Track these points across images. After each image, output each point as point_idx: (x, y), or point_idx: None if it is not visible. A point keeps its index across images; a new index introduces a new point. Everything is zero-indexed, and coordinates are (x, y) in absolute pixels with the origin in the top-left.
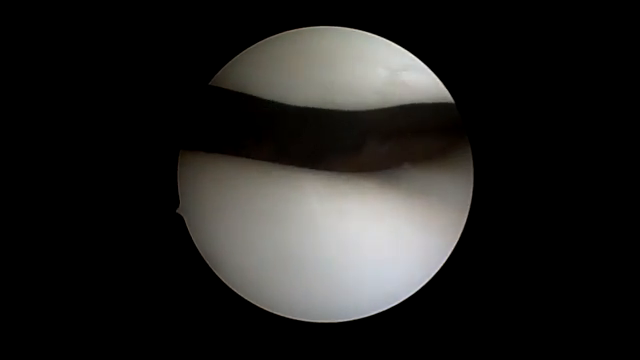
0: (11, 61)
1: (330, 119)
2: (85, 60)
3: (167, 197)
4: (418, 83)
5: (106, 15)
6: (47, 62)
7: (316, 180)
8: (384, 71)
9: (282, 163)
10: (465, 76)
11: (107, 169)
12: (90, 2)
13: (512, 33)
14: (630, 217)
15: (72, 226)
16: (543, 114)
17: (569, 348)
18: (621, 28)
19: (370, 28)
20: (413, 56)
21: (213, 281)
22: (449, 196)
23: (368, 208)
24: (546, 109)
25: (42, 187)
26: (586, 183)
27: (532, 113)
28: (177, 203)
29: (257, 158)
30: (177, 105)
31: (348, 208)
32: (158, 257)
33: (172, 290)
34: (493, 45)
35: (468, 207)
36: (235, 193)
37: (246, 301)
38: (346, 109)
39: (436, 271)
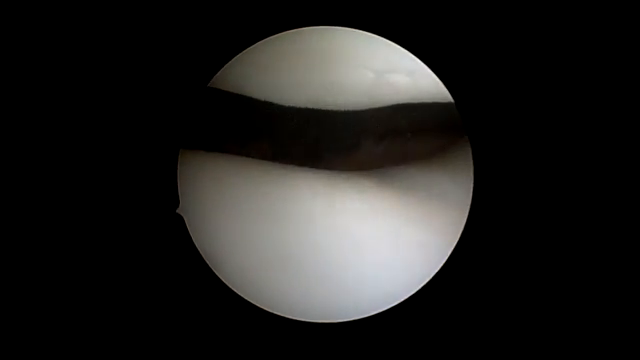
0: (11, 61)
1: (330, 119)
2: (84, 60)
3: (167, 197)
4: (413, 84)
5: (105, 15)
6: (47, 63)
7: (316, 180)
8: (370, 73)
9: (282, 163)
10: (465, 76)
11: (107, 170)
12: (90, 2)
13: (512, 33)
14: (630, 217)
15: (72, 226)
16: (544, 114)
17: (569, 348)
18: (621, 27)
19: (370, 28)
20: (413, 56)
21: (213, 281)
22: (449, 195)
23: (368, 207)
24: (547, 109)
25: (42, 187)
26: (586, 182)
27: (533, 113)
28: (177, 203)
29: (257, 158)
30: (177, 105)
31: (348, 207)
32: (158, 257)
33: (172, 290)
34: (494, 44)
35: (468, 207)
36: (235, 193)
37: (246, 301)
38: (346, 109)
39: (436, 271)
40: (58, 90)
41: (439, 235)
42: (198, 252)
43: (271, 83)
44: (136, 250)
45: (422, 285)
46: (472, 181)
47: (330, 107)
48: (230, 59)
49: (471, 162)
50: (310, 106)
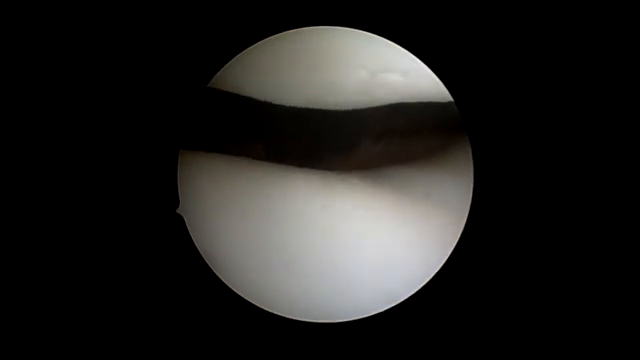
0: (11, 62)
1: (330, 119)
2: (84, 61)
3: (167, 197)
4: (412, 83)
5: (105, 16)
6: (47, 63)
7: (316, 180)
8: (369, 72)
9: (282, 163)
10: (465, 76)
11: (107, 170)
12: (89, 2)
13: (513, 32)
14: (631, 216)
15: (72, 226)
16: (544, 113)
17: (569, 348)
18: (621, 25)
19: (370, 28)
20: (413, 56)
21: (213, 281)
22: (449, 195)
23: (367, 207)
24: (547, 108)
25: (43, 188)
26: (587, 182)
27: (533, 112)
28: (177, 203)
29: (257, 158)
30: (177, 105)
31: (347, 207)
32: (158, 257)
33: (172, 290)
34: (494, 43)
35: (468, 206)
36: (235, 193)
37: (246, 301)
38: (346, 108)
39: (436, 271)
40: (58, 91)
41: (439, 235)
42: (198, 252)
43: (271, 83)
44: (136, 250)
45: (422, 285)
46: (472, 180)
47: (330, 107)
48: (229, 59)
49: (471, 162)
50: (310, 106)
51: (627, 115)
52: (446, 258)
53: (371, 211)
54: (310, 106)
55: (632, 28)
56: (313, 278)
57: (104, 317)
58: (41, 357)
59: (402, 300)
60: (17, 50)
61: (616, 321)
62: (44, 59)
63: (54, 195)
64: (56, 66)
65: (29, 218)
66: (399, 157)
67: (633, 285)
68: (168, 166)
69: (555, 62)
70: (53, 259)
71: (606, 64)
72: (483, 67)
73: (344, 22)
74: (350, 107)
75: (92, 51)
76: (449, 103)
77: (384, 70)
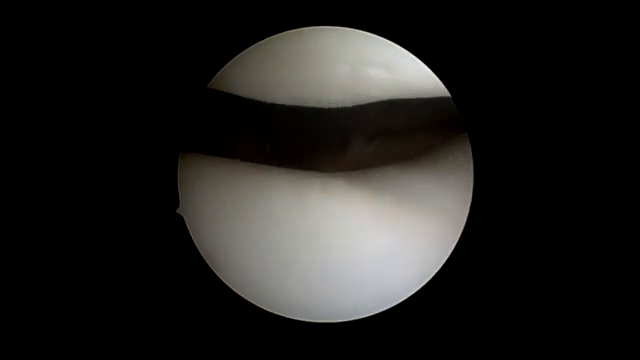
0: (10, 63)
1: (329, 118)
2: (83, 61)
3: (167, 197)
4: (409, 80)
5: (104, 17)
6: (46, 64)
7: (317, 181)
8: (344, 67)
9: (282, 164)
10: (467, 76)
11: (107, 171)
12: (89, 3)
13: (513, 32)
14: (631, 214)
15: (72, 226)
16: (544, 113)
17: (569, 348)
18: (621, 21)
19: (370, 28)
20: (413, 56)
21: (213, 281)
22: (449, 195)
23: (367, 208)
24: (548, 108)
25: (43, 189)
26: (588, 182)
27: (534, 109)
28: (177, 203)
29: (257, 159)
30: (176, 106)
31: (348, 208)
32: (158, 257)
33: (172, 290)
34: (495, 42)
35: (468, 206)
36: (235, 194)
37: (246, 301)
38: (347, 108)
39: (436, 271)
40: (58, 92)
41: (439, 235)
42: (198, 253)
43: (269, 84)
44: (137, 250)
45: (422, 285)
46: (472, 180)
47: (331, 106)
48: (229, 59)
49: (471, 160)
50: (311, 105)
51: (626, 109)
52: (446, 258)
53: (371, 211)
54: (311, 105)
55: (630, 22)
56: (313, 278)
57: (105, 317)
58: (41, 357)
59: (402, 300)
60: (17, 51)
61: (616, 321)
62: (44, 60)
63: (55, 196)
64: (56, 67)
65: (30, 219)
66: (398, 156)
67: (633, 285)
68: (168, 167)
69: (555, 58)
70: (54, 259)
71: (604, 60)
72: (482, 64)
73: (344, 22)
74: (351, 106)
75: (91, 52)
76: (447, 98)
77: (381, 68)
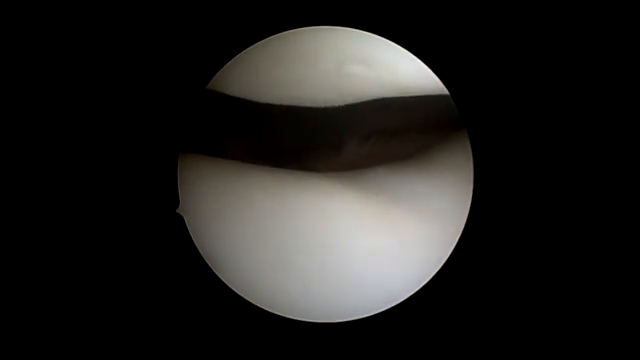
0: (10, 64)
1: (327, 119)
2: (83, 63)
3: (167, 197)
4: (407, 78)
5: (104, 17)
6: (46, 65)
7: (316, 181)
8: (342, 67)
9: (282, 164)
10: (467, 76)
11: (107, 171)
12: (88, 3)
13: (513, 31)
14: (631, 213)
15: (73, 227)
16: (544, 113)
17: (569, 348)
18: (615, 17)
19: (370, 28)
20: (413, 56)
21: (213, 281)
22: (449, 194)
23: (367, 208)
24: (549, 108)
25: (44, 189)
26: (588, 182)
27: (535, 112)
28: (177, 204)
29: (257, 159)
30: (176, 107)
31: (348, 208)
32: (158, 257)
33: (172, 290)
34: (495, 42)
35: (468, 206)
36: (235, 194)
37: (246, 301)
38: (344, 107)
39: (436, 271)
40: (58, 93)
41: (439, 235)
42: (198, 252)
43: (270, 84)
44: (137, 250)
45: (422, 285)
46: (472, 179)
47: (327, 104)
48: (229, 59)
49: (471, 159)
50: (310, 105)
51: (625, 107)
52: (446, 258)
53: (371, 212)
54: (307, 105)
55: (629, 21)
56: (313, 278)
57: (105, 317)
58: (41, 357)
59: (402, 300)
60: (17, 52)
61: (616, 321)
62: (44, 61)
63: (56, 197)
64: (55, 68)
65: (31, 219)
66: (396, 155)
67: (633, 284)
68: (168, 167)
69: (560, 61)
70: (55, 259)
71: (602, 58)
72: (482, 63)
73: (344, 22)
74: (351, 106)
75: (91, 53)
76: (446, 97)
77: (379, 67)
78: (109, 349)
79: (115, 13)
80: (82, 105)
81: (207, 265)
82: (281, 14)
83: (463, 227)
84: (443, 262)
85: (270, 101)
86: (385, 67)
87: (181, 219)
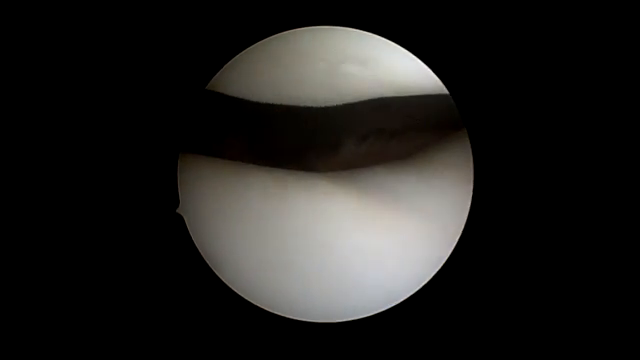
0: (10, 64)
1: (327, 119)
2: (82, 63)
3: (167, 198)
4: (406, 77)
5: (104, 18)
6: (46, 66)
7: (316, 181)
8: (341, 66)
9: (281, 164)
10: (467, 76)
11: (107, 171)
12: (88, 4)
13: (513, 31)
14: (631, 212)
15: (74, 227)
16: (546, 113)
17: (569, 348)
18: (614, 17)
19: (370, 28)
20: (413, 56)
21: (213, 281)
22: (449, 194)
23: (368, 207)
24: (549, 107)
25: (44, 189)
26: (589, 182)
27: (535, 112)
28: (177, 204)
29: (257, 160)
30: (176, 108)
31: (348, 208)
32: (158, 257)
33: (172, 290)
34: (495, 42)
35: (468, 206)
36: (235, 194)
37: (246, 301)
38: (343, 107)
39: (436, 271)
40: (58, 93)
41: (439, 235)
42: (198, 252)
43: (269, 85)
44: (137, 250)
45: (422, 285)
46: (472, 179)
47: (327, 104)
48: (226, 62)
49: (471, 158)
50: (312, 105)
51: (624, 106)
52: (446, 258)
53: (371, 211)
54: (307, 105)
55: (624, 18)
56: (313, 278)
57: (105, 317)
58: (41, 357)
59: (402, 300)
60: (17, 53)
61: (616, 320)
62: (44, 62)
63: (56, 197)
64: (56, 69)
65: (31, 219)
66: (396, 155)
67: (633, 283)
68: (168, 167)
69: (561, 62)
70: (55, 259)
71: (602, 58)
72: (482, 63)
73: (344, 22)
74: (350, 105)
75: (91, 54)
76: (445, 96)
77: (378, 66)
78: (109, 349)
79: (115, 13)
80: (82, 105)
81: (207, 265)
82: (281, 14)
83: (463, 227)
84: (443, 262)
85: (270, 101)
86: (385, 67)
87: (181, 219)
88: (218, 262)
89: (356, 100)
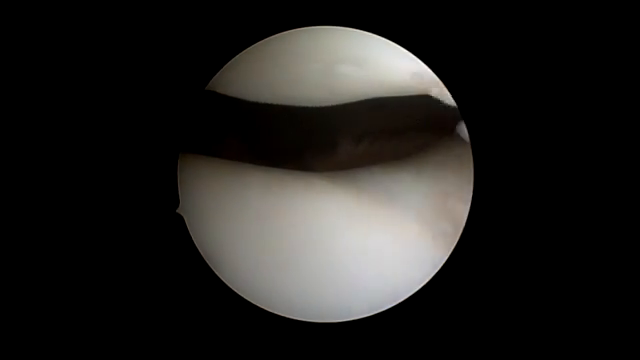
0: (11, 64)
1: (324, 118)
2: (82, 63)
3: (167, 197)
4: (405, 77)
5: (104, 18)
6: (46, 66)
7: (315, 180)
8: (318, 65)
9: (281, 164)
10: (467, 75)
11: (107, 171)
12: (88, 4)
13: (513, 31)
14: (631, 211)
15: (74, 227)
16: (546, 113)
17: (569, 348)
18: (620, 25)
19: (370, 28)
20: (413, 56)
21: (213, 281)
22: (449, 193)
23: (367, 208)
24: (549, 107)
25: (44, 190)
26: (588, 182)
27: (535, 112)
28: (177, 204)
29: (257, 160)
30: (176, 108)
31: (348, 208)
32: (158, 257)
33: (172, 290)
34: (495, 41)
35: (469, 205)
36: (234, 194)
37: (246, 301)
38: (340, 107)
39: (436, 271)
40: (58, 94)
41: (439, 235)
42: (198, 252)
43: (269, 85)
44: (137, 250)
45: (422, 285)
46: (472, 179)
47: (322, 104)
48: (225, 62)
49: (471, 158)
50: (311, 105)
51: (625, 111)
52: (446, 258)
53: (370, 211)
54: (303, 105)
55: (632, 28)
56: (312, 278)
57: (105, 316)
58: (41, 357)
59: (402, 300)
60: (17, 53)
61: (616, 320)
62: (44, 62)
63: (56, 197)
64: (56, 69)
65: (31, 219)
66: (396, 155)
67: (633, 283)
68: (168, 167)
69: (562, 62)
70: (55, 259)
71: (602, 58)
72: (481, 62)
73: (343, 22)
74: (349, 105)
75: (91, 54)
76: (445, 96)
77: (377, 66)
78: (109, 349)
79: (115, 14)
80: (82, 106)
81: (207, 265)
82: (280, 14)
83: (463, 227)
84: (443, 262)
85: (268, 101)
86: (383, 66)
87: (181, 219)
88: (217, 261)
89: (352, 100)
